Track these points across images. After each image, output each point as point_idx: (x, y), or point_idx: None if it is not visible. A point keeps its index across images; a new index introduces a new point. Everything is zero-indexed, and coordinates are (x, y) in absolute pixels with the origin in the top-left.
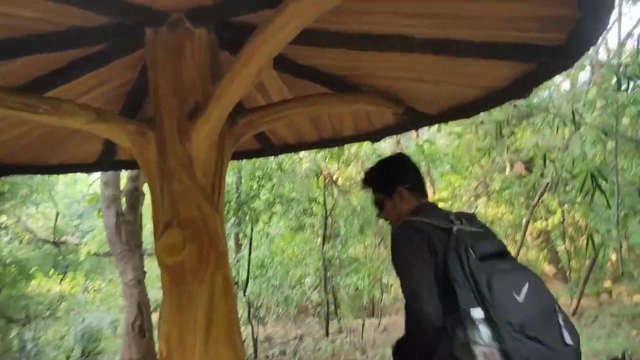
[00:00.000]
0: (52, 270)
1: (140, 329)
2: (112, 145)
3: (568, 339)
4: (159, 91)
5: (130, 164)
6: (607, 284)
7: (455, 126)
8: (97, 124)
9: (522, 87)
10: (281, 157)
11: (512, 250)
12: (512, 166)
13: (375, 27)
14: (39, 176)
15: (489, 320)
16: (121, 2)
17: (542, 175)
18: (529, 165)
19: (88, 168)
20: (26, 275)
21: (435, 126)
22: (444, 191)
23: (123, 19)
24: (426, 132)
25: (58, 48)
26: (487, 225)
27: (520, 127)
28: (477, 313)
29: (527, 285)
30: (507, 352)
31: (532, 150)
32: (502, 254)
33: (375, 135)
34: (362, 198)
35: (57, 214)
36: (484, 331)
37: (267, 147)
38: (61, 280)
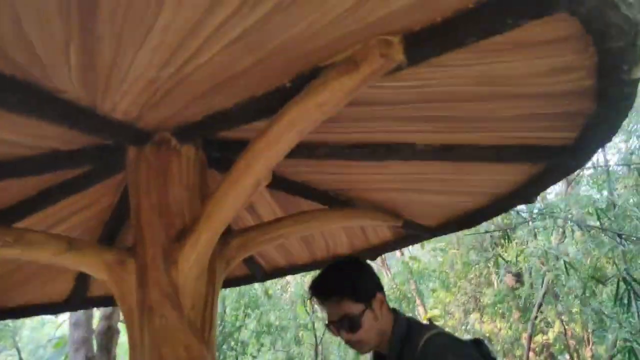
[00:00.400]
0: None
1: None
2: (84, 281)
3: None
4: (141, 214)
5: (105, 301)
6: None
7: (438, 242)
8: (69, 254)
9: (529, 191)
10: (268, 282)
11: None
12: (499, 280)
13: (372, 136)
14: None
15: None
16: (103, 120)
17: (531, 286)
18: (518, 276)
19: (56, 308)
20: None
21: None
22: (435, 308)
23: (104, 138)
24: (409, 249)
25: (31, 173)
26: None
27: (504, 239)
28: None
29: None
30: None
31: (524, 259)
32: None
33: (371, 253)
34: None
35: None
36: None
37: (256, 272)
38: None
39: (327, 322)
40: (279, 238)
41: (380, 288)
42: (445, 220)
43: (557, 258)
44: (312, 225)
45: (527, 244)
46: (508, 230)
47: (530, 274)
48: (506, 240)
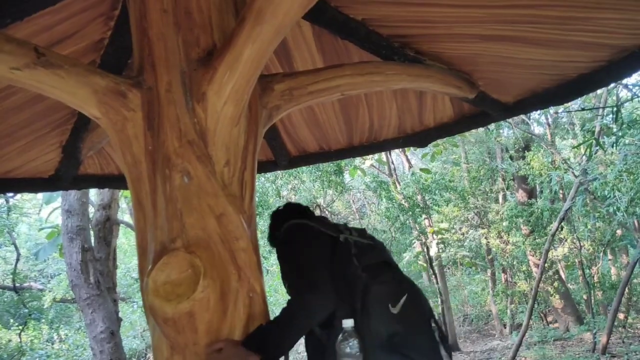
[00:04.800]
0: (12, 320)
1: None
2: (73, 152)
3: (445, 356)
4: (149, 24)
5: (100, 180)
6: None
7: (450, 154)
8: (38, 70)
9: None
10: (280, 182)
11: (528, 285)
12: (505, 198)
13: None
14: None
15: (359, 331)
16: None
17: (552, 201)
18: (531, 192)
19: (41, 186)
20: None
21: (429, 155)
22: (441, 222)
23: None
24: (420, 162)
25: None
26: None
27: (525, 152)
28: (349, 323)
29: (405, 298)
30: None
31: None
32: (388, 264)
33: (423, 138)
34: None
35: (18, 257)
36: (353, 343)
37: (281, 157)
38: (21, 330)
39: None
40: (334, 90)
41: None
42: (527, 94)
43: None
44: (374, 79)
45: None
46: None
47: (552, 189)
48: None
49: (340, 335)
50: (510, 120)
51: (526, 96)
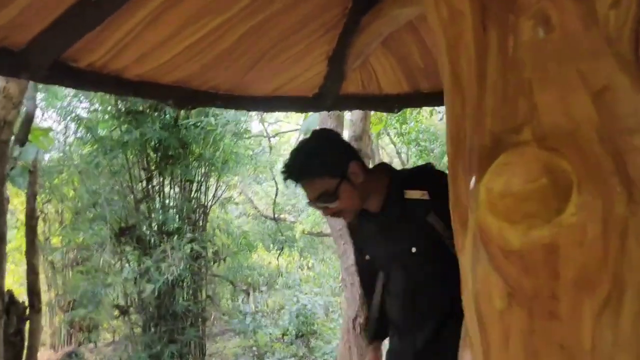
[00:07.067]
0: (272, 245)
1: (364, 328)
2: (339, 63)
3: None
4: None
5: (361, 101)
6: None
7: None
8: None
9: None
10: None
11: None
12: None
13: None
14: (262, 156)
15: None
16: None
17: None
18: None
19: (304, 105)
20: (250, 247)
21: None
22: None
23: None
24: None
25: None
26: None
27: None
28: None
29: None
30: None
31: None
32: None
33: None
34: None
35: (277, 191)
36: None
37: None
38: (279, 255)
39: (307, 200)
40: None
41: (353, 156)
42: None
43: None
44: None
45: None
46: None
47: None
48: None
49: None
50: None
51: None
